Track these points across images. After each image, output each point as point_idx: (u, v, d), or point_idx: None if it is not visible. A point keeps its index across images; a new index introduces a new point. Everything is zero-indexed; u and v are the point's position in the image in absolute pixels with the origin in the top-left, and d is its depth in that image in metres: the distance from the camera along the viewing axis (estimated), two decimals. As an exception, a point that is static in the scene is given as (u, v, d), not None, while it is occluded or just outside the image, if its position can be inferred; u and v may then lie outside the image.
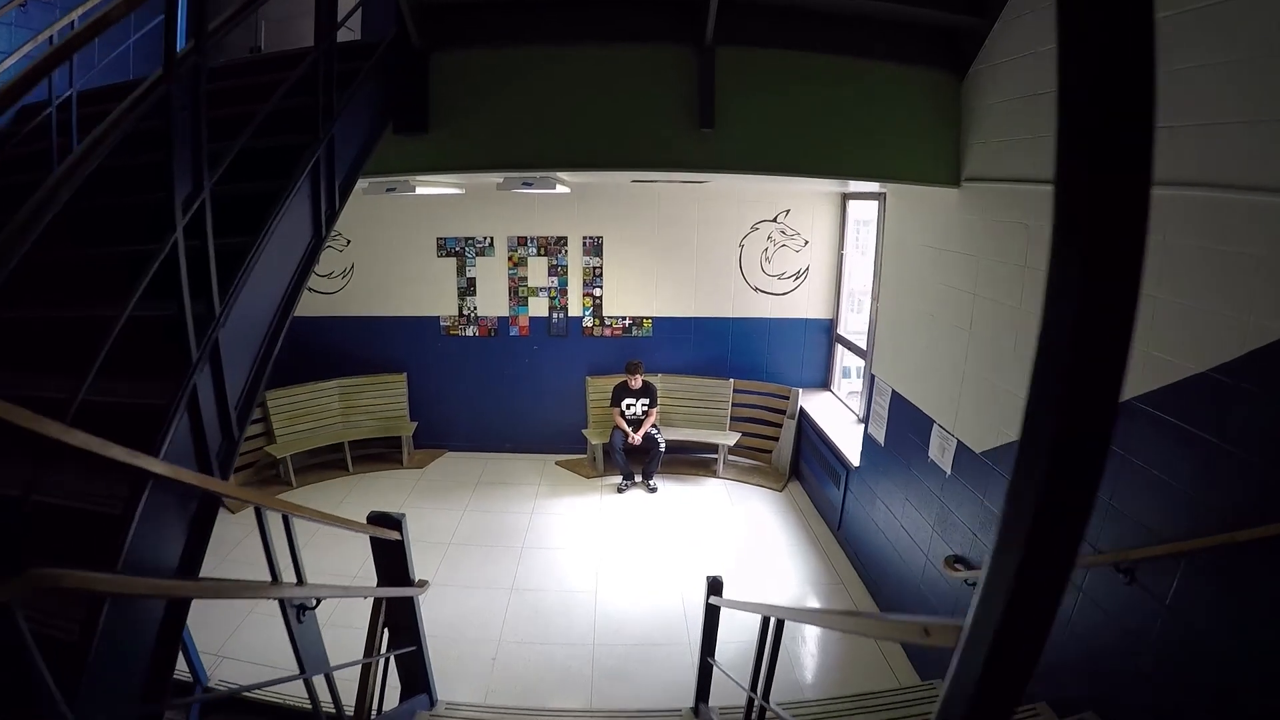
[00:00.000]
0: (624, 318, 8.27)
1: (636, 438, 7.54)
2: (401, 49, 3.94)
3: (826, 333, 8.28)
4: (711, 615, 3.85)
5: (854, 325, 8.28)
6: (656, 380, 7.95)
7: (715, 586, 3.80)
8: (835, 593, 5.81)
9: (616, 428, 7.61)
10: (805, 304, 8.24)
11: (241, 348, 2.63)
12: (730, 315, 8.23)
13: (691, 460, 8.23)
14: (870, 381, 6.06)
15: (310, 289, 8.12)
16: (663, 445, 7.59)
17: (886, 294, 5.93)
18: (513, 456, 8.49)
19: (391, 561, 3.96)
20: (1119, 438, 3.02)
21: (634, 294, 8.21)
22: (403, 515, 3.86)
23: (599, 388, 8.11)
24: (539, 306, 8.25)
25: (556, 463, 8.30)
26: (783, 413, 7.90)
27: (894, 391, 5.55)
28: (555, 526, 6.79)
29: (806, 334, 8.31)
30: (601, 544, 6.46)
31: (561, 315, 8.25)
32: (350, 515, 6.77)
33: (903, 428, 5.35)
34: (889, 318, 5.84)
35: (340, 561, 5.49)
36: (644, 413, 7.72)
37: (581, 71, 4.05)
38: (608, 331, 8.30)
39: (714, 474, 7.92)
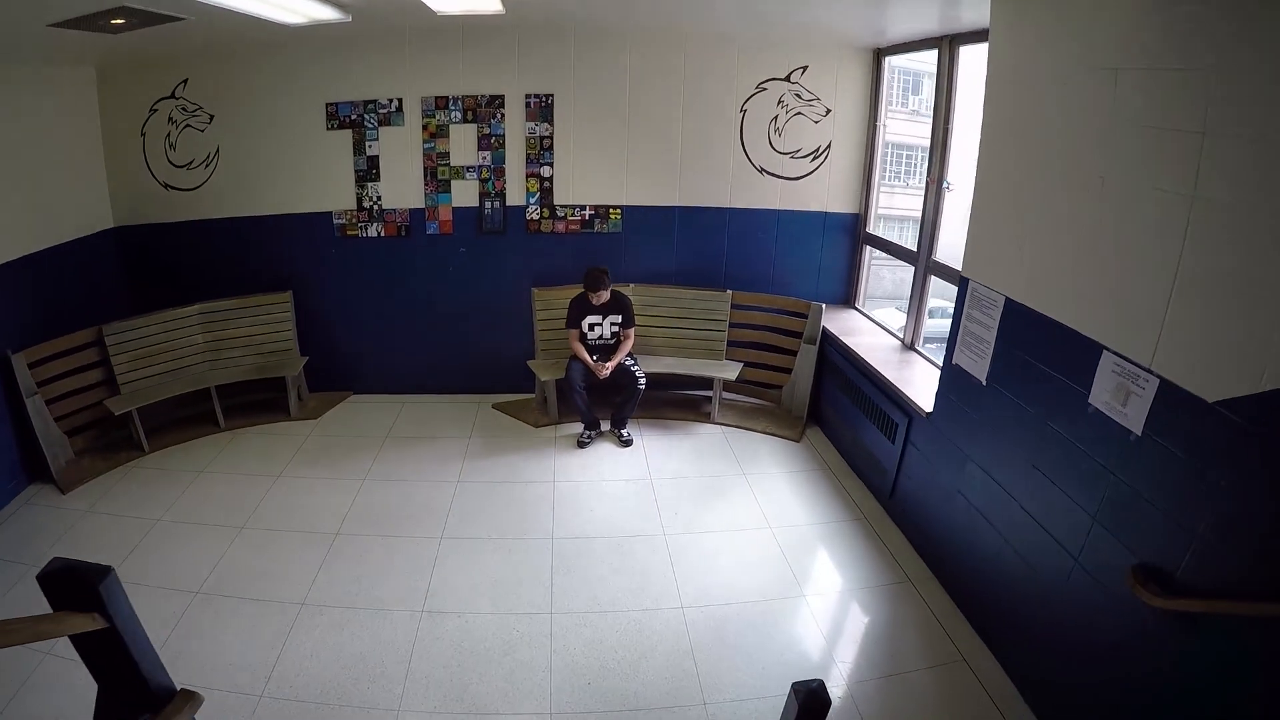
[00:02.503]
0: (583, 207, 5.93)
1: (605, 370, 5.35)
2: None
3: (850, 232, 6.13)
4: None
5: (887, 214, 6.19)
6: (629, 292, 5.77)
7: (814, 706, 1.72)
8: (903, 596, 3.81)
9: (575, 358, 5.44)
10: (824, 193, 5.99)
11: None
12: (727, 205, 5.96)
13: (675, 400, 6.10)
14: (962, 290, 3.96)
15: (165, 185, 5.74)
16: (642, 381, 5.43)
17: (992, 155, 3.76)
18: (436, 399, 6.25)
19: (110, 665, 1.78)
20: None
21: (597, 175, 5.87)
22: (108, 570, 1.67)
23: (550, 303, 5.84)
24: (466, 193, 5.86)
25: (494, 406, 6.08)
26: (798, 336, 5.78)
27: (1009, 303, 3.46)
28: (490, 502, 4.63)
29: (825, 233, 6.13)
30: (558, 529, 4.34)
31: (497, 205, 5.87)
32: (213, 491, 4.36)
33: (1030, 357, 3.28)
34: (999, 190, 3.68)
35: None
36: (614, 336, 5.52)
37: None
38: (561, 226, 5.96)
39: (707, 418, 5.81)
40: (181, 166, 5.78)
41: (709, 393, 5.84)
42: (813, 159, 5.95)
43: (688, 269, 6.07)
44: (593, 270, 5.31)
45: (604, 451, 5.35)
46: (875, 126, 5.93)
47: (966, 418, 3.78)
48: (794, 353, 5.78)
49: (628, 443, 5.42)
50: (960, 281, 3.94)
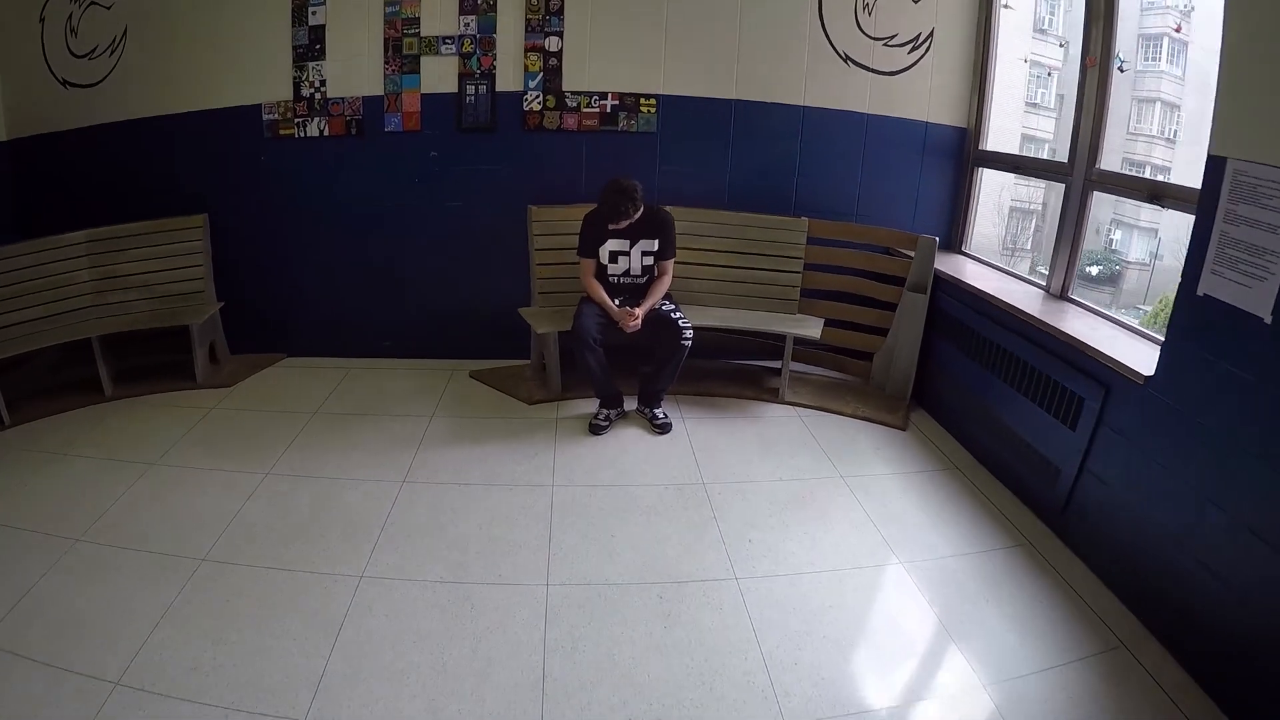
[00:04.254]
0: (603, 96, 4.45)
1: (634, 320, 3.83)
2: None
3: (955, 152, 4.69)
4: None
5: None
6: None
7: None
8: (1120, 674, 2.33)
9: (589, 301, 3.96)
10: (925, 96, 4.59)
11: None
12: (801, 103, 4.50)
13: (725, 371, 4.62)
14: (1213, 179, 2.55)
15: (64, 82, 4.42)
16: (688, 335, 3.89)
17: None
18: (394, 364, 4.78)
19: None
20: None
21: (623, 51, 4.43)
22: None
23: (553, 226, 4.36)
24: (441, 75, 4.42)
25: (472, 374, 4.59)
26: (897, 283, 4.32)
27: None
28: (449, 517, 3.12)
29: (926, 150, 4.72)
30: (557, 565, 2.81)
31: (483, 90, 4.40)
32: (59, 483, 3.44)
33: None
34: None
35: None
36: (647, 272, 4.02)
37: None
38: (572, 121, 4.47)
39: (774, 396, 4.30)
40: (83, 56, 4.49)
41: (775, 362, 4.37)
42: (911, 49, 4.55)
43: (746, 188, 4.60)
44: (616, 187, 3.73)
45: (629, 440, 3.85)
46: (991, 12, 4.55)
47: (1231, 379, 2.35)
48: (891, 306, 4.33)
49: (664, 427, 3.91)
50: (1208, 169, 2.54)
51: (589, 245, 3.92)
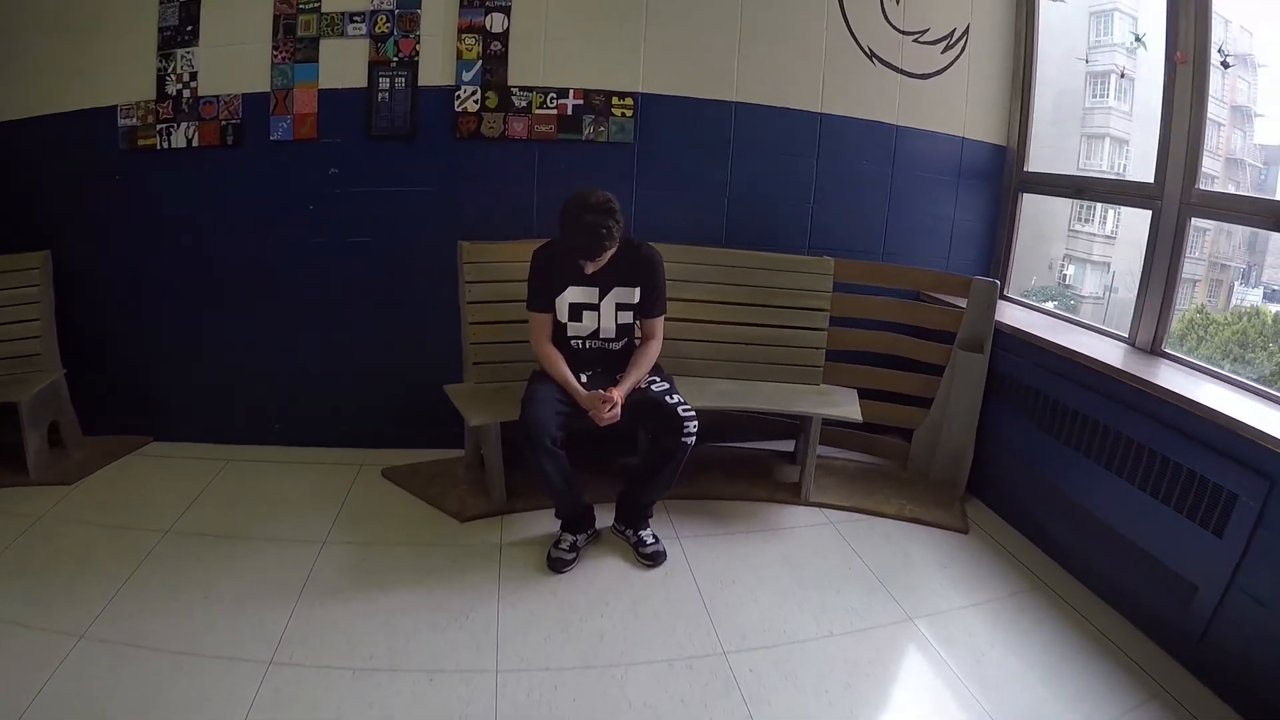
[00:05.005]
0: (563, 94, 3.44)
1: (610, 407, 2.68)
2: None
3: (993, 176, 3.89)
4: None
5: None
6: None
7: None
8: None
9: (544, 375, 2.84)
10: (962, 106, 3.78)
11: None
12: (818, 109, 3.60)
13: (728, 461, 3.62)
14: None
15: None
16: (691, 428, 2.74)
17: None
18: (287, 454, 3.64)
19: None
20: None
21: (590, 37, 3.45)
22: None
23: (493, 269, 3.25)
24: (345, 65, 3.37)
25: (384, 472, 3.45)
26: (942, 339, 3.43)
27: None
28: None
29: (962, 172, 3.88)
30: None
31: (401, 85, 3.36)
32: None
33: None
34: None
35: None
36: (623, 332, 2.92)
37: None
38: (520, 127, 3.44)
39: (795, 495, 3.29)
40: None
41: (784, 444, 3.41)
42: (945, 47, 3.74)
43: (749, 218, 3.65)
44: (584, 202, 2.59)
45: (607, 581, 2.74)
46: (1033, 5, 3.77)
47: None
48: (936, 369, 3.46)
49: (654, 557, 2.83)
50: None
51: (541, 295, 2.81)
